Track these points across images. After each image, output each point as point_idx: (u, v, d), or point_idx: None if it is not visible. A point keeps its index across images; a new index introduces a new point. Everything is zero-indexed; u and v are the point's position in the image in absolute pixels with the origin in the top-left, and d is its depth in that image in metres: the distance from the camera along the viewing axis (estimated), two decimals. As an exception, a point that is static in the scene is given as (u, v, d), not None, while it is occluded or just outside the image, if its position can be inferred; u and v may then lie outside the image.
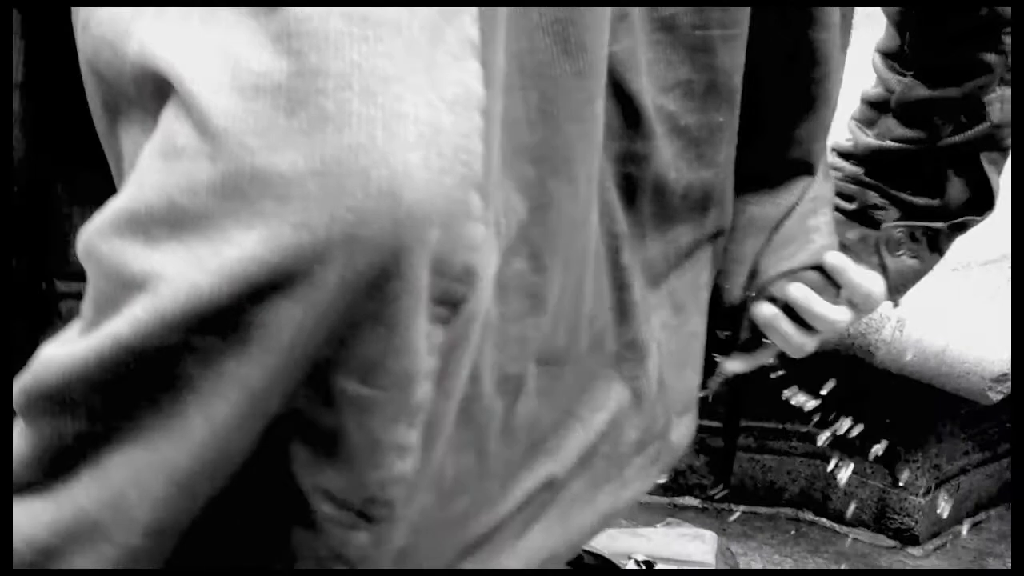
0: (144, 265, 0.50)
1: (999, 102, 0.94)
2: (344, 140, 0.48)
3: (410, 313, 0.52)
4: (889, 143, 0.96)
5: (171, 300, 0.50)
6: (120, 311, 0.51)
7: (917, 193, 0.98)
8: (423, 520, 0.66)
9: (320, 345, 0.51)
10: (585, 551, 2.23)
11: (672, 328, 0.83)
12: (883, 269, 0.97)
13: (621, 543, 2.27)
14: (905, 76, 0.95)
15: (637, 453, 0.81)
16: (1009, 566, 2.47)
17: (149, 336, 0.50)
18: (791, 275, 0.94)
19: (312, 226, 0.49)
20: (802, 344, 0.96)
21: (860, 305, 0.97)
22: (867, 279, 0.96)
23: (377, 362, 0.52)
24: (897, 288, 0.98)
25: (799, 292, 0.94)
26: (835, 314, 0.95)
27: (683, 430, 0.87)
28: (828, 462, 2.82)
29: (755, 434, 2.87)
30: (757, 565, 2.67)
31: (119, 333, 0.51)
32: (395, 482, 0.56)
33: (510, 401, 0.70)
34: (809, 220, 0.92)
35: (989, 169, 0.95)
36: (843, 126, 1.03)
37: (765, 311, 0.95)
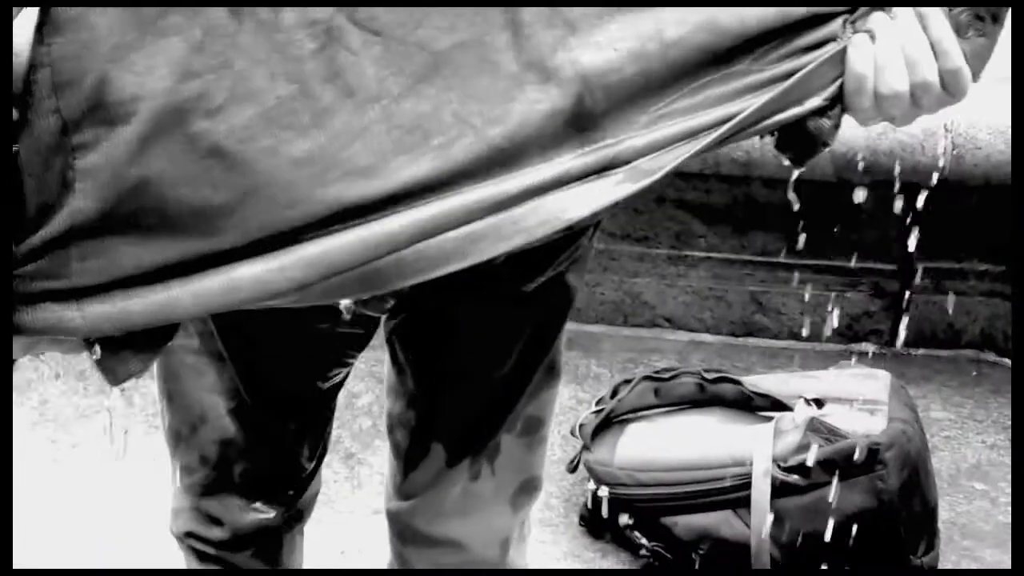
0: None
1: None
2: None
3: None
4: None
5: None
6: None
7: None
8: (248, 132, 0.80)
9: None
10: (754, 392, 2.28)
11: (618, 70, 0.87)
12: (962, 55, 0.98)
13: (791, 385, 2.30)
14: None
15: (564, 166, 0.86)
16: None
17: None
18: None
19: None
20: (894, 87, 0.95)
21: (948, 82, 0.96)
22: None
23: None
24: (975, 70, 0.98)
25: (933, 11, 0.94)
26: (952, 44, 0.95)
27: (638, 161, 0.88)
28: (1009, 300, 2.78)
29: (932, 275, 2.84)
30: (936, 407, 2.67)
31: None
32: None
33: (323, 44, 0.82)
34: None
35: None
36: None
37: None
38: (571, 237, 1.21)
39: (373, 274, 0.84)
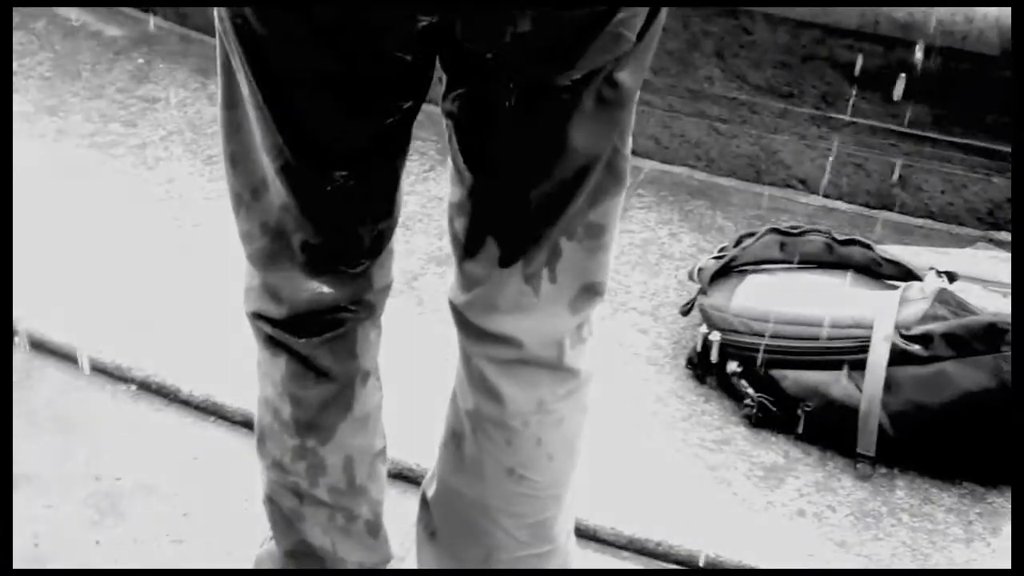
0: None
1: None
2: None
3: None
4: None
5: None
6: None
7: None
8: None
9: None
10: (885, 258, 2.21)
11: None
12: None
13: (924, 258, 2.23)
14: None
15: None
16: None
17: None
18: None
19: None
20: None
21: None
22: None
23: None
24: None
25: None
26: None
27: None
28: None
29: (1086, 170, 2.71)
30: (1071, 304, 2.57)
31: None
32: None
33: None
34: None
35: None
36: None
37: None
38: (594, 27, 1.16)
39: None
